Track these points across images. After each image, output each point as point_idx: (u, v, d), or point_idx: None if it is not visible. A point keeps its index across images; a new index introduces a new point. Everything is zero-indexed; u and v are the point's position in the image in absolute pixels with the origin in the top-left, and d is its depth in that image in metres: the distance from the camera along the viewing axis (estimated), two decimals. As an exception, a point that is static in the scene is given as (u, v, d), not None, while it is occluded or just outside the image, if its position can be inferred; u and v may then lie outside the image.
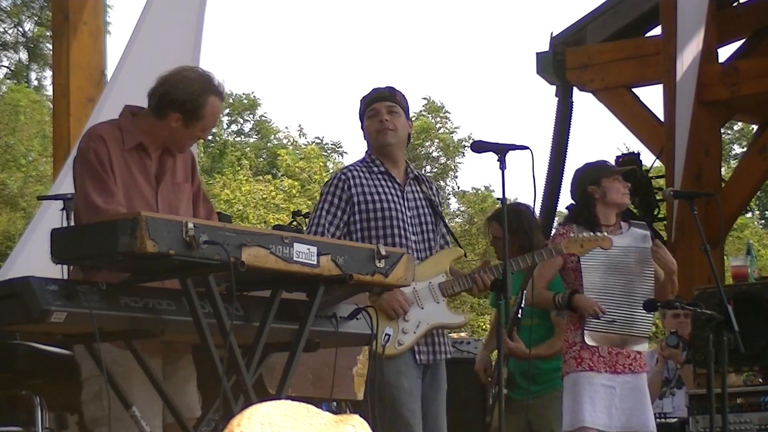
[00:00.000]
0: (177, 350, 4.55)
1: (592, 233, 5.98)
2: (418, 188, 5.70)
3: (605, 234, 6.00)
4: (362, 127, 5.70)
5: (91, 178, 4.42)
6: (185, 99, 4.50)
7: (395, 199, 5.58)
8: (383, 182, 5.61)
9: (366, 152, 5.72)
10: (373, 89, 5.71)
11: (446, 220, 5.88)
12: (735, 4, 10.98)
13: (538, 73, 11.33)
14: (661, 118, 9.96)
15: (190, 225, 3.98)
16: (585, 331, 6.03)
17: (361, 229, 5.53)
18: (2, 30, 30.45)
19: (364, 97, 5.71)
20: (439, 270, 5.58)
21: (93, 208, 4.36)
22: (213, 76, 4.59)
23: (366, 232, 5.52)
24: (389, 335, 5.01)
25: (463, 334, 9.79)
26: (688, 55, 9.28)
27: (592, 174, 6.28)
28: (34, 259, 6.59)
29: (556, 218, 11.60)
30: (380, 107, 5.61)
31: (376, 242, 5.41)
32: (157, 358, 4.46)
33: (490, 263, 5.61)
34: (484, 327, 22.42)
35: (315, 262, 4.28)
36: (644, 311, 6.14)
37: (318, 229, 5.50)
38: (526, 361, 6.39)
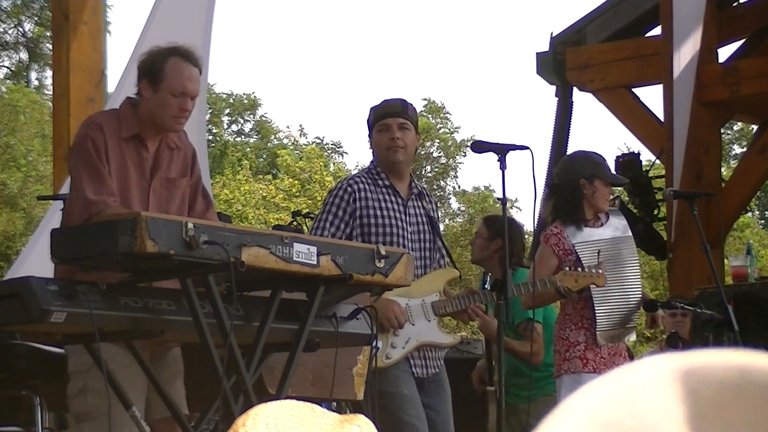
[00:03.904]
0: (164, 345, 4.54)
1: (587, 269, 5.97)
2: (420, 204, 5.70)
3: (600, 271, 5.98)
4: (370, 136, 5.69)
5: (86, 166, 4.42)
6: (147, 62, 4.57)
7: (398, 215, 5.59)
8: (387, 197, 5.60)
9: (371, 162, 5.72)
10: (385, 101, 5.69)
11: (443, 240, 5.90)
12: (735, 4, 10.98)
13: (538, 73, 11.32)
14: (661, 118, 9.95)
15: (190, 225, 3.98)
16: (597, 333, 6.03)
17: (362, 243, 5.52)
18: (2, 30, 30.45)
19: (375, 109, 5.68)
20: (434, 289, 5.59)
21: (82, 197, 4.37)
22: (180, 44, 4.63)
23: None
24: (378, 348, 5.03)
25: (463, 334, 9.81)
26: (686, 55, 9.28)
27: (588, 168, 6.20)
28: (42, 261, 6.60)
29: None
30: (392, 123, 5.59)
31: None
32: (143, 354, 4.44)
33: (474, 292, 5.67)
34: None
35: (315, 262, 4.28)
36: (635, 301, 6.17)
37: None
38: (513, 356, 6.54)
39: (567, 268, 6.01)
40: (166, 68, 4.52)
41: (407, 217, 5.61)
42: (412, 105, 5.70)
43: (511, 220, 7.25)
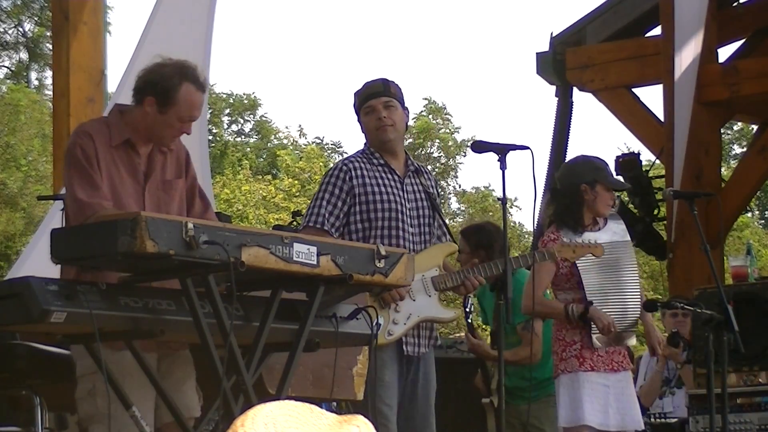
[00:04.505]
0: (171, 346, 4.54)
1: (584, 240, 5.98)
2: (418, 181, 5.69)
3: (597, 242, 5.99)
4: (359, 121, 5.70)
5: (77, 173, 4.44)
6: (157, 80, 4.53)
7: (395, 191, 5.58)
8: (383, 174, 5.60)
9: (365, 144, 5.71)
10: (366, 84, 5.69)
11: (443, 215, 5.88)
12: (735, 4, 10.98)
13: (538, 73, 11.33)
14: (661, 118, 9.96)
15: (190, 225, 3.98)
16: (593, 337, 6.04)
17: (361, 221, 5.53)
18: (2, 30, 30.44)
19: (358, 93, 5.68)
20: (433, 264, 5.58)
21: (77, 202, 4.38)
22: (190, 65, 4.60)
23: (366, 223, 5.52)
24: (380, 325, 5.01)
25: (462, 334, 9.81)
26: (687, 55, 9.28)
27: (590, 173, 6.20)
28: (42, 261, 6.62)
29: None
30: (377, 104, 5.60)
31: (374, 233, 5.44)
32: (151, 354, 4.45)
33: (477, 263, 5.63)
34: (484, 326, 22.36)
35: (315, 262, 4.27)
36: (633, 305, 6.17)
37: (318, 219, 5.49)
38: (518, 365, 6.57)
39: (566, 262, 6.02)
40: (179, 96, 4.51)
41: (405, 194, 5.60)
42: (393, 82, 5.68)
43: (488, 224, 7.31)
